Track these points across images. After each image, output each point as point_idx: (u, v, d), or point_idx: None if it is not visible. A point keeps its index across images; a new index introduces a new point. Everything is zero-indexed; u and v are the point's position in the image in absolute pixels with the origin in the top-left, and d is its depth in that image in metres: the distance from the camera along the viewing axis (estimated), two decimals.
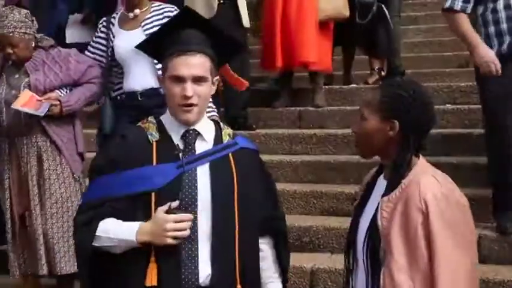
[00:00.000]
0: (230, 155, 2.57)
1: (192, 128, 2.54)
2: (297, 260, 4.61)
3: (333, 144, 5.69)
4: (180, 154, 2.49)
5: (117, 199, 2.46)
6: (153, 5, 4.46)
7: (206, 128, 2.59)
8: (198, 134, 2.55)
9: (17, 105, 4.14)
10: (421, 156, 2.41)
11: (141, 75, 4.38)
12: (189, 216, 2.42)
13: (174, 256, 2.43)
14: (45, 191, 4.24)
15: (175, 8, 4.44)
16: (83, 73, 4.38)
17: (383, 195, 2.35)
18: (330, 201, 5.09)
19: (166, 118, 2.59)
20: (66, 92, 4.34)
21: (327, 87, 6.63)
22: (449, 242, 2.22)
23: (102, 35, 4.53)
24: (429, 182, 2.29)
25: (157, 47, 2.59)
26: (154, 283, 2.41)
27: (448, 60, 7.35)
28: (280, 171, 5.49)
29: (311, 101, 6.45)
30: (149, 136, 2.52)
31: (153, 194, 2.44)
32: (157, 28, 3.92)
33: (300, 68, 6.52)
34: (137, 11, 4.36)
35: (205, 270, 2.46)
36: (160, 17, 4.32)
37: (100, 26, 4.59)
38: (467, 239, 2.29)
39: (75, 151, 4.37)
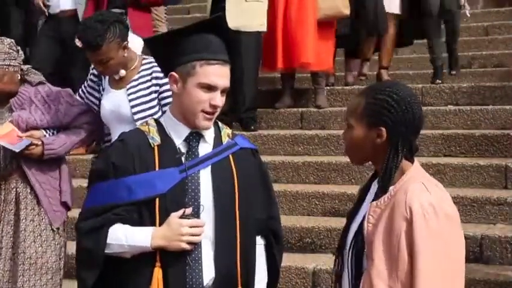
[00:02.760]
0: (230, 155, 2.57)
1: (195, 130, 2.53)
2: (299, 260, 4.62)
3: (334, 145, 5.69)
4: (183, 158, 2.49)
5: (121, 205, 2.45)
6: (143, 62, 3.84)
7: (208, 129, 2.59)
8: (201, 136, 2.55)
9: None
10: (415, 160, 2.33)
11: None
12: (203, 222, 2.44)
13: (179, 260, 2.42)
14: (19, 244, 3.74)
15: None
16: (73, 117, 3.83)
17: (372, 200, 2.30)
18: (332, 202, 5.10)
19: (167, 120, 2.57)
20: (53, 132, 3.83)
21: (328, 87, 6.64)
22: (432, 253, 2.14)
23: (95, 79, 3.96)
24: (417, 189, 2.20)
25: (174, 46, 2.52)
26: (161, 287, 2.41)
27: None
28: (282, 172, 5.50)
29: (313, 102, 6.46)
30: (150, 140, 2.50)
31: (157, 199, 2.43)
32: (141, 93, 3.68)
33: (302, 69, 6.53)
34: (122, 72, 3.76)
35: (209, 273, 2.46)
36: (148, 78, 3.76)
37: (92, 69, 3.99)
38: (452, 250, 2.19)
39: (58, 200, 3.83)
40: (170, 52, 2.53)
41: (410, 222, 2.16)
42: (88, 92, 3.96)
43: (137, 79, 3.77)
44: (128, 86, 3.77)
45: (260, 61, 6.32)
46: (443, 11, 6.74)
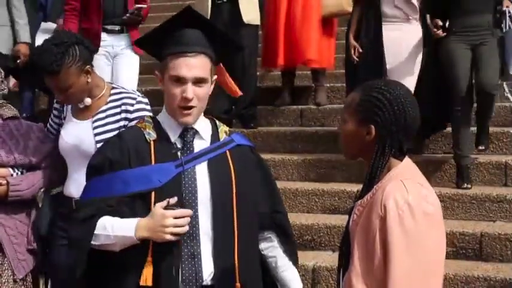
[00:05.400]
0: (227, 152, 2.58)
1: (190, 126, 2.54)
2: (299, 257, 4.59)
3: (334, 142, 5.69)
4: (179, 153, 2.50)
5: (116, 199, 2.45)
6: (112, 91, 3.33)
7: (203, 126, 2.60)
8: (196, 132, 2.56)
9: None
10: (406, 158, 2.29)
11: (82, 179, 2.94)
12: (188, 211, 2.41)
13: (173, 255, 2.42)
14: None
15: (137, 95, 3.34)
16: (43, 156, 3.40)
17: (359, 199, 2.29)
18: (331, 199, 5.10)
19: (163, 116, 2.59)
20: (22, 171, 3.39)
21: (328, 85, 6.64)
22: (405, 251, 2.11)
23: (58, 107, 3.47)
24: (394, 188, 2.16)
25: (156, 44, 2.57)
26: (149, 283, 2.39)
27: None
28: (282, 170, 5.51)
29: (313, 99, 6.46)
30: (146, 135, 2.52)
31: (153, 193, 2.44)
32: (109, 126, 3.22)
33: (302, 66, 6.53)
34: (88, 100, 3.26)
35: (208, 268, 2.46)
36: (118, 110, 3.25)
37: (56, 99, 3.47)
38: (428, 250, 2.14)
39: (24, 247, 3.37)
40: (154, 51, 2.62)
41: (384, 221, 2.13)
42: (53, 127, 3.49)
43: (105, 110, 3.27)
44: (95, 118, 3.27)
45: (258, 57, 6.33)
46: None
